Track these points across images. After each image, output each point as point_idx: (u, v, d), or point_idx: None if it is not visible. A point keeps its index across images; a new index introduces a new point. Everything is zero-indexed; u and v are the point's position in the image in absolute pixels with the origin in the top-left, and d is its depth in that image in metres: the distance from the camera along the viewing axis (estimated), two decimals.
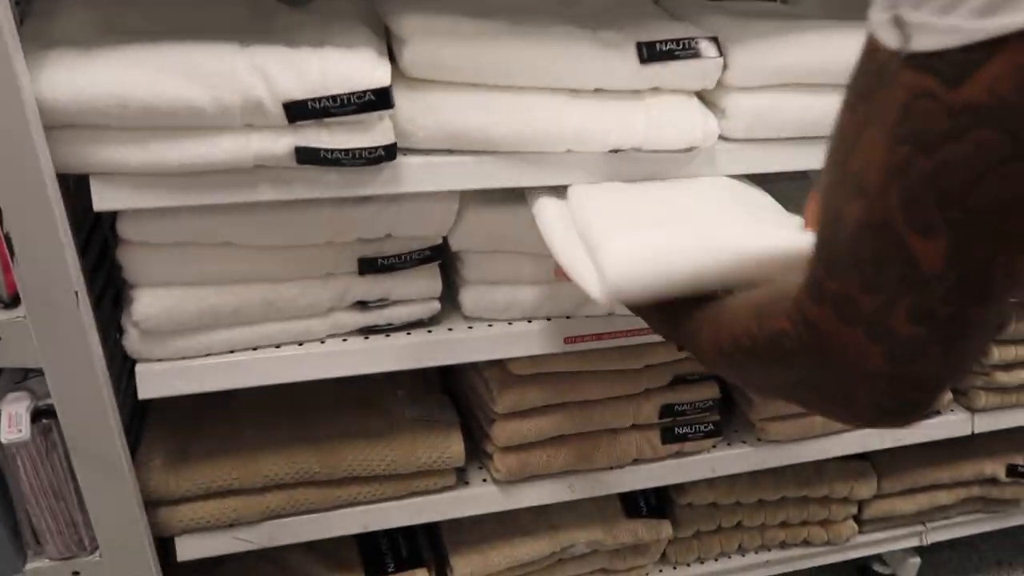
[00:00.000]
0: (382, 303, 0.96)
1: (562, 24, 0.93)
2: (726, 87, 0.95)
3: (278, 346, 0.95)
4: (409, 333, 0.98)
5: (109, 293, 0.96)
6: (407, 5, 0.89)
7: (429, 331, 0.99)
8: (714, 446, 1.21)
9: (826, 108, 0.97)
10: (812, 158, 1.01)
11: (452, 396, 1.17)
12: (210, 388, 0.94)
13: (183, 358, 0.92)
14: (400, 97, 0.84)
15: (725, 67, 0.94)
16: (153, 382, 0.91)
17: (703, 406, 1.16)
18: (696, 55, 0.92)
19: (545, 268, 0.99)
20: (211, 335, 0.92)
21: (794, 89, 0.96)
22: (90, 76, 0.74)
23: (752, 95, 0.95)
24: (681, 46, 0.92)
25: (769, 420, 1.20)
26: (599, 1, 1.08)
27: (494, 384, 1.05)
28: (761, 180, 1.41)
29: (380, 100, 0.80)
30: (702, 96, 0.97)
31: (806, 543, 1.41)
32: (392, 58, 0.86)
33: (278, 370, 0.95)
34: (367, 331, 0.97)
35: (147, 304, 0.88)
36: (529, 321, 1.02)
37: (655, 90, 0.94)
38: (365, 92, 0.79)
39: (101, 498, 0.91)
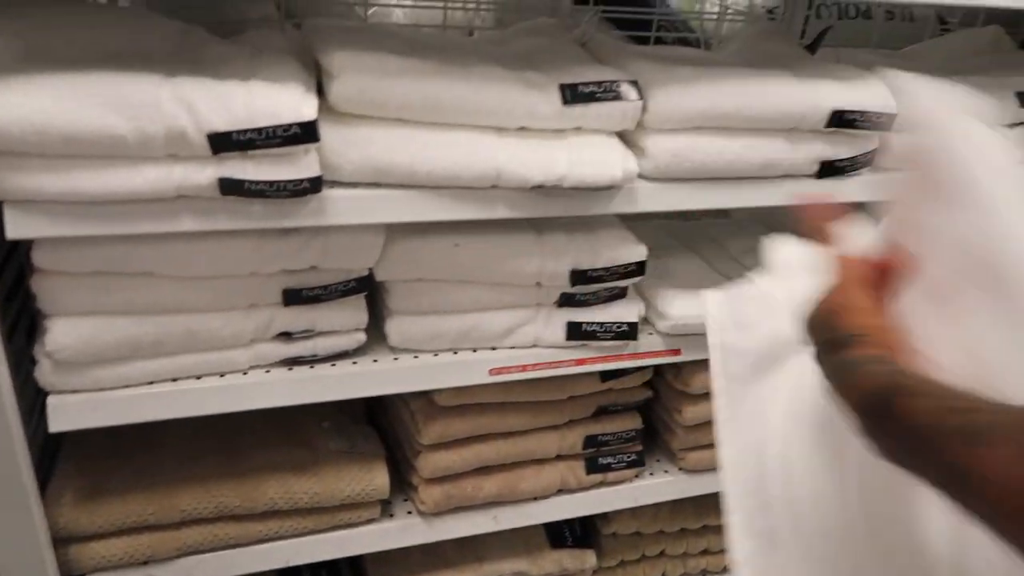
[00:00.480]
0: (307, 334, 0.96)
1: (489, 64, 0.96)
2: (646, 128, 1.00)
3: (199, 377, 0.94)
4: (334, 364, 0.98)
5: (23, 323, 0.94)
6: (338, 40, 0.91)
7: (354, 362, 0.99)
8: (637, 476, 1.23)
9: (740, 150, 1.03)
10: (727, 197, 1.05)
11: (378, 427, 1.17)
12: (127, 421, 0.92)
13: (99, 390, 0.90)
14: (328, 131, 0.85)
15: (645, 109, 0.98)
16: (66, 415, 0.89)
17: (626, 436, 1.18)
18: (617, 97, 0.96)
19: (469, 298, 1.01)
20: (129, 366, 0.90)
21: (710, 132, 1.01)
22: (7, 103, 0.73)
23: (670, 136, 1.00)
24: (603, 88, 0.96)
25: (690, 450, 1.23)
26: (527, 43, 1.12)
27: (419, 415, 1.06)
28: (683, 216, 1.47)
29: (306, 133, 0.81)
30: (623, 136, 1.00)
31: (727, 571, 1.44)
32: (322, 92, 0.87)
33: (199, 402, 0.93)
34: (291, 362, 0.97)
35: (62, 334, 0.86)
36: (454, 352, 1.03)
37: (578, 129, 0.97)
38: (291, 125, 0.80)
39: (6, 536, 0.88)
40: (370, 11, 1.43)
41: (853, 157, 1.09)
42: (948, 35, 1.60)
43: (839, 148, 1.08)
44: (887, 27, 1.70)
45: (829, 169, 1.08)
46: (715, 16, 1.68)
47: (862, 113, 1.05)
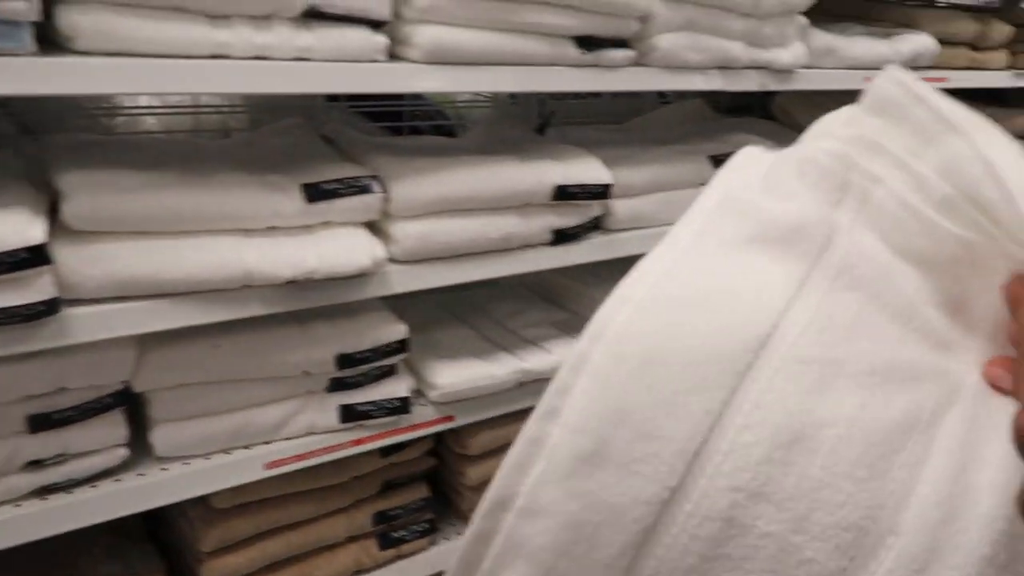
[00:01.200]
0: (60, 459, 0.92)
1: (231, 171, 1.00)
2: (392, 216, 1.08)
3: None
4: (95, 486, 0.95)
5: None
6: (71, 159, 0.92)
7: (118, 480, 0.96)
8: (432, 543, 1.27)
9: (480, 228, 1.14)
10: (474, 271, 1.15)
11: (161, 542, 1.13)
12: None
13: None
14: (64, 250, 0.85)
15: (389, 200, 1.06)
16: None
17: (415, 507, 1.23)
18: (359, 192, 1.04)
19: (237, 396, 1.02)
20: None
21: (451, 214, 1.11)
22: None
23: (414, 222, 1.09)
24: (345, 185, 1.03)
25: None
26: (276, 144, 1.18)
27: (197, 522, 1.04)
28: (453, 288, 1.56)
29: (35, 257, 0.81)
30: (372, 225, 1.08)
31: None
32: None
33: None
34: (45, 491, 0.93)
35: None
36: (227, 452, 1.03)
37: (326, 224, 1.04)
38: (18, 251, 0.80)
39: None
40: (116, 119, 1.42)
41: (581, 224, 1.24)
42: (663, 108, 1.85)
43: (567, 218, 1.22)
44: (615, 103, 1.93)
45: (562, 236, 1.22)
46: (465, 103, 1.83)
47: (581, 186, 1.20)
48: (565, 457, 0.32)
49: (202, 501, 1.05)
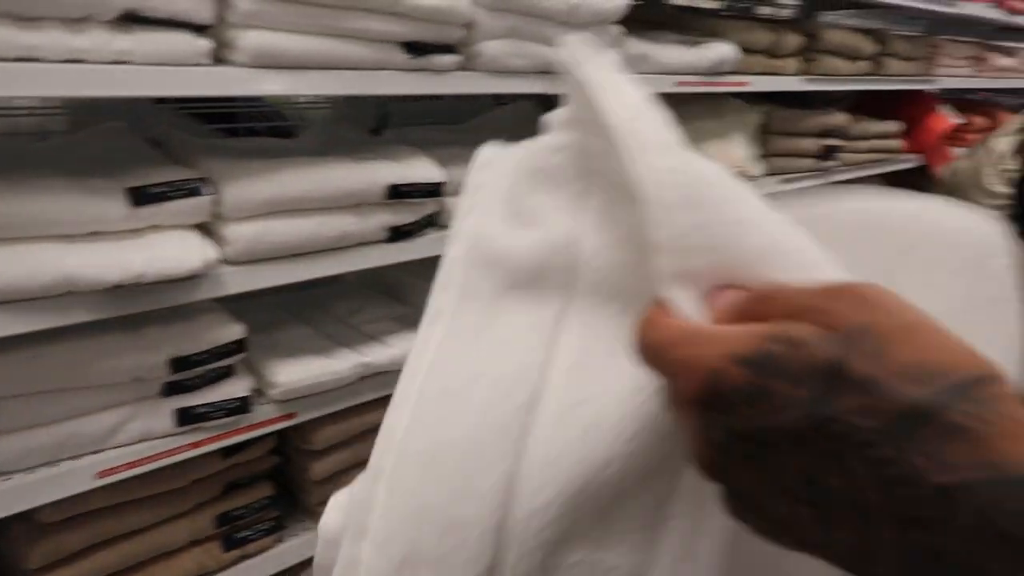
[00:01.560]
0: None
1: (48, 175, 0.98)
2: (224, 218, 1.08)
3: None
4: None
5: None
6: None
7: None
8: (280, 540, 1.29)
9: (315, 227, 1.16)
10: (311, 269, 1.18)
11: None
12: None
13: None
14: None
15: (219, 202, 1.07)
16: None
17: (260, 506, 1.23)
18: (188, 195, 1.04)
19: (61, 406, 1.00)
20: None
21: (285, 215, 1.13)
22: None
23: (247, 223, 1.10)
24: (173, 188, 1.03)
25: (325, 503, 1.32)
26: (99, 148, 1.15)
27: (22, 539, 1.01)
28: (297, 288, 1.56)
29: None
30: (204, 227, 1.08)
31: None
32: None
33: None
34: None
35: None
36: (53, 464, 1.00)
37: (155, 227, 1.03)
38: None
39: None
40: None
41: (416, 221, 1.29)
42: (497, 109, 1.93)
43: (403, 215, 1.27)
44: (452, 105, 1.99)
45: (397, 234, 1.27)
46: (304, 105, 1.83)
47: (413, 185, 1.25)
48: (381, 573, 0.33)
49: (27, 516, 1.01)
